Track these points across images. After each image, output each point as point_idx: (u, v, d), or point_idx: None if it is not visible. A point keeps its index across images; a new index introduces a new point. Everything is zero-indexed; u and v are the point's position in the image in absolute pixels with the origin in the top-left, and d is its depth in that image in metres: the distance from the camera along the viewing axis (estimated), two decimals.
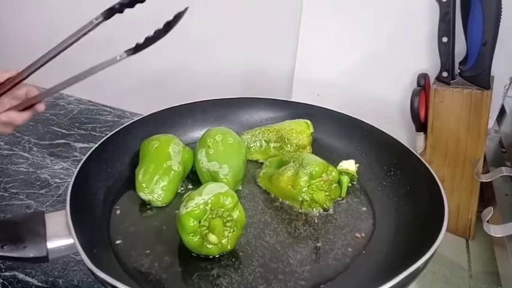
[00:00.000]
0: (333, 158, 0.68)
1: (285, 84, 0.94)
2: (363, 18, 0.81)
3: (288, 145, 0.73)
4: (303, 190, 0.62)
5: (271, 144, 0.75)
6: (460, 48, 0.70)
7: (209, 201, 0.54)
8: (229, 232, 0.55)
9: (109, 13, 0.66)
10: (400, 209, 0.63)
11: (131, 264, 0.55)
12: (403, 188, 0.65)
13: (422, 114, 0.74)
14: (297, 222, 0.62)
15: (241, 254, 0.57)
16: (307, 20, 0.86)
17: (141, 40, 0.62)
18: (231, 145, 0.68)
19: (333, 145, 0.76)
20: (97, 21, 0.66)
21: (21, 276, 0.64)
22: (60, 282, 0.63)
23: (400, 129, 0.83)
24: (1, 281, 0.63)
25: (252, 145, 0.75)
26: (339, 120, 0.76)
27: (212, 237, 0.53)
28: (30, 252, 0.50)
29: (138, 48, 0.62)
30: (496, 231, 0.63)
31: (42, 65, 0.66)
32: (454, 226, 0.74)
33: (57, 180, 0.85)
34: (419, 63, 0.78)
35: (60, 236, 0.51)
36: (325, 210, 0.63)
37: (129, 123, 0.74)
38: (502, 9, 0.64)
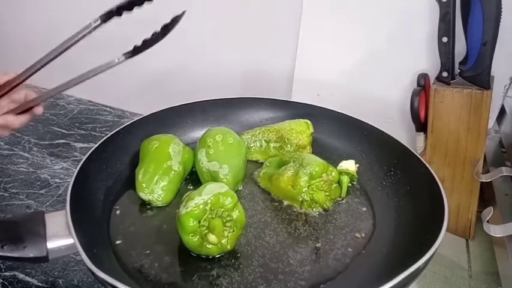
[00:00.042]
0: (333, 158, 0.68)
1: (285, 84, 0.94)
2: (363, 18, 0.81)
3: (288, 145, 0.73)
4: (303, 190, 0.62)
5: (271, 144, 0.75)
6: (460, 48, 0.70)
7: (209, 201, 0.54)
8: (229, 232, 0.55)
9: (107, 16, 0.66)
10: (400, 209, 0.63)
11: (131, 264, 0.55)
12: (403, 188, 0.65)
13: (422, 114, 0.74)
14: (297, 222, 0.62)
15: (241, 254, 0.57)
16: (307, 20, 0.86)
17: (139, 42, 0.62)
18: (231, 145, 0.68)
19: (333, 145, 0.76)
20: (95, 24, 0.66)
21: (21, 276, 0.64)
22: (60, 282, 0.63)
23: (400, 129, 0.83)
24: (1, 281, 0.63)
25: (252, 145, 0.75)
26: (339, 120, 0.76)
27: (212, 237, 0.53)
28: (30, 252, 0.50)
29: (136, 51, 0.62)
30: (496, 231, 0.63)
31: (40, 68, 0.66)
32: (454, 226, 0.74)
33: (57, 180, 0.85)
34: (419, 63, 0.78)
35: (60, 236, 0.51)
36: (325, 210, 0.63)
37: (129, 123, 0.74)
38: (502, 9, 0.64)
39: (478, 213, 0.73)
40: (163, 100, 0.79)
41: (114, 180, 0.68)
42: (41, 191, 0.82)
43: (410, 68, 0.79)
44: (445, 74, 0.70)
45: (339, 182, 0.65)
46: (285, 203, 0.65)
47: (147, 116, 0.76)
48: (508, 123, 0.79)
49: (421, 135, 0.76)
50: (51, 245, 0.51)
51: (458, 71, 0.71)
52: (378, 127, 0.72)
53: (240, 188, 0.69)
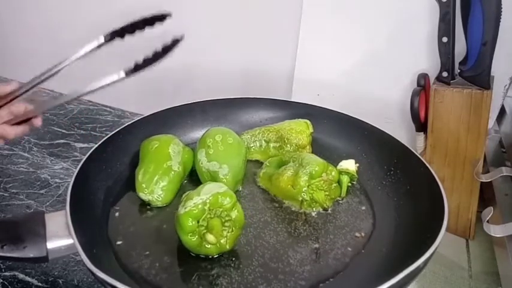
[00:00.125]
0: (333, 158, 0.68)
1: (285, 84, 0.94)
2: (363, 18, 0.81)
3: (288, 145, 0.73)
4: (303, 190, 0.62)
5: (271, 144, 0.75)
6: (460, 48, 0.70)
7: (207, 201, 0.54)
8: (228, 232, 0.55)
9: (112, 36, 0.67)
10: (400, 209, 0.63)
11: (131, 264, 0.55)
12: (403, 188, 0.65)
13: (422, 114, 0.74)
14: (297, 222, 0.62)
15: (241, 253, 0.57)
16: (307, 20, 0.86)
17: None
18: (230, 145, 0.68)
19: (333, 145, 0.76)
20: (99, 43, 0.66)
21: (21, 276, 0.64)
22: (60, 282, 0.63)
23: (400, 129, 0.83)
24: (1, 281, 0.63)
25: (251, 145, 0.75)
26: (339, 120, 0.76)
27: (210, 237, 0.53)
28: (30, 252, 0.50)
29: (136, 69, 0.63)
30: (496, 231, 0.63)
31: (40, 82, 0.66)
32: (454, 226, 0.74)
33: (57, 180, 0.85)
34: (419, 63, 0.78)
35: (60, 236, 0.51)
36: (325, 210, 0.63)
37: (129, 123, 0.74)
38: (502, 9, 0.64)
39: (478, 213, 0.73)
40: (163, 100, 0.79)
41: (114, 180, 0.68)
42: (41, 191, 0.82)
43: (410, 68, 0.79)
44: (445, 74, 0.70)
45: (339, 182, 0.65)
46: (285, 202, 0.65)
47: (147, 116, 0.76)
48: (508, 123, 0.79)
49: (421, 135, 0.76)
50: (51, 245, 0.51)
51: (458, 71, 0.71)
52: (378, 127, 0.72)
53: (240, 188, 0.69)
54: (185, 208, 0.54)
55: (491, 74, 0.68)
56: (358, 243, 0.58)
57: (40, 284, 0.63)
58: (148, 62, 0.63)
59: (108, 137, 0.70)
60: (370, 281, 0.47)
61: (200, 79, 1.04)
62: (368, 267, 0.55)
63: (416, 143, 0.77)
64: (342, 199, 0.66)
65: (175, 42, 0.64)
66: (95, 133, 1.02)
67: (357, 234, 0.60)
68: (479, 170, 0.71)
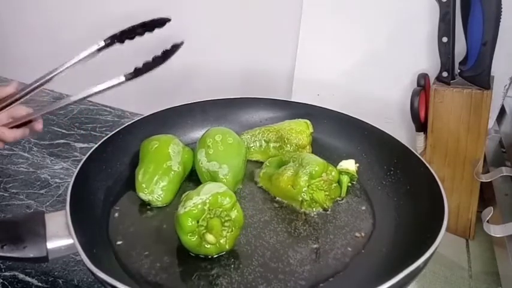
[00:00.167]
0: (333, 158, 0.68)
1: (285, 84, 0.94)
2: (363, 18, 0.81)
3: (288, 145, 0.73)
4: (303, 190, 0.62)
5: (271, 144, 0.75)
6: (460, 48, 0.70)
7: (207, 201, 0.54)
8: (228, 232, 0.55)
9: (111, 40, 0.67)
10: (400, 209, 0.63)
11: (131, 264, 0.55)
12: (403, 188, 0.65)
13: (422, 114, 0.74)
14: (297, 222, 0.62)
15: (241, 253, 0.57)
16: (307, 20, 0.86)
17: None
18: (230, 145, 0.68)
19: (333, 145, 0.76)
20: (99, 47, 0.67)
21: (21, 276, 0.64)
22: (60, 282, 0.63)
23: (400, 129, 0.83)
24: (1, 281, 0.63)
25: (251, 145, 0.75)
26: (339, 120, 0.76)
27: (210, 237, 0.53)
28: (30, 252, 0.50)
29: (137, 73, 0.63)
30: (496, 231, 0.63)
31: (39, 86, 0.67)
32: (454, 226, 0.74)
33: (57, 180, 0.85)
34: (419, 63, 0.78)
35: (60, 236, 0.51)
36: (325, 210, 0.63)
37: (129, 123, 0.74)
38: (502, 9, 0.64)
39: (478, 213, 0.73)
40: (163, 100, 0.79)
41: (114, 180, 0.68)
42: (41, 191, 0.82)
43: (410, 68, 0.79)
44: (445, 74, 0.70)
45: (339, 182, 0.65)
46: (285, 202, 0.65)
47: (147, 116, 0.76)
48: (508, 123, 0.79)
49: (421, 135, 0.76)
50: (51, 245, 0.51)
51: (458, 71, 0.71)
52: (378, 127, 0.72)
53: (240, 188, 0.69)
54: (185, 208, 0.54)
55: (491, 74, 0.68)
56: (358, 243, 0.58)
57: (40, 284, 0.63)
58: (148, 66, 0.63)
59: (108, 137, 0.70)
60: (370, 281, 0.47)
61: (200, 79, 1.04)
62: (368, 267, 0.55)
63: (416, 143, 0.77)
64: (342, 199, 0.66)
65: (174, 47, 0.65)
66: (95, 133, 1.02)
67: (357, 234, 0.60)
68: (479, 170, 0.71)
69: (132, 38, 0.68)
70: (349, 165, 0.66)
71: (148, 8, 0.95)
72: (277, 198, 0.66)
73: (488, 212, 0.64)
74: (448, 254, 0.70)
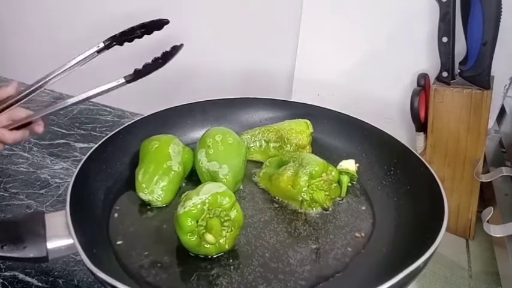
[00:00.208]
0: (333, 158, 0.68)
1: (285, 84, 0.94)
2: (363, 18, 0.81)
3: (288, 145, 0.73)
4: (303, 190, 0.62)
5: (271, 144, 0.75)
6: (460, 48, 0.70)
7: (206, 200, 0.54)
8: (227, 232, 0.55)
9: (111, 42, 0.68)
10: (400, 209, 0.63)
11: (131, 264, 0.55)
12: (403, 188, 0.65)
13: (422, 114, 0.74)
14: (297, 222, 0.62)
15: (241, 253, 0.57)
16: (307, 20, 0.86)
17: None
18: (230, 145, 0.68)
19: (333, 145, 0.76)
20: (98, 48, 0.67)
21: (21, 276, 0.64)
22: (60, 282, 0.63)
23: (400, 129, 0.83)
24: (1, 281, 0.63)
25: (251, 145, 0.75)
26: (339, 120, 0.76)
27: (209, 237, 0.53)
28: (30, 252, 0.50)
29: (137, 75, 0.64)
30: (496, 231, 0.63)
31: (40, 87, 0.67)
32: (454, 226, 0.74)
33: (57, 180, 0.85)
34: (419, 63, 0.78)
35: (60, 236, 0.51)
36: (325, 210, 0.63)
37: (129, 123, 0.74)
38: (502, 9, 0.64)
39: (478, 213, 0.73)
40: (163, 100, 0.79)
41: (114, 180, 0.68)
42: (41, 191, 0.82)
43: (410, 68, 0.79)
44: (445, 74, 0.70)
45: (339, 182, 0.65)
46: (285, 202, 0.65)
47: (147, 116, 0.76)
48: (508, 123, 0.79)
49: (421, 135, 0.76)
50: (51, 245, 0.51)
51: (458, 71, 0.70)
52: (378, 127, 0.72)
53: (240, 188, 0.69)
54: (184, 208, 0.54)
55: (491, 74, 0.68)
56: (358, 243, 0.58)
57: (40, 284, 0.63)
58: (148, 68, 0.64)
59: (108, 137, 0.70)
60: (370, 281, 0.47)
61: (200, 79, 1.04)
62: (368, 267, 0.55)
63: (416, 143, 0.77)
64: (342, 199, 0.66)
65: (174, 49, 0.65)
66: (95, 133, 1.02)
67: (357, 234, 0.60)
68: (479, 170, 0.71)
69: (131, 40, 0.68)
70: (349, 165, 0.66)
71: (148, 8, 0.95)
72: (277, 198, 0.66)
73: (488, 212, 0.64)
74: (448, 254, 0.70)
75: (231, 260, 0.56)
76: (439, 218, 0.53)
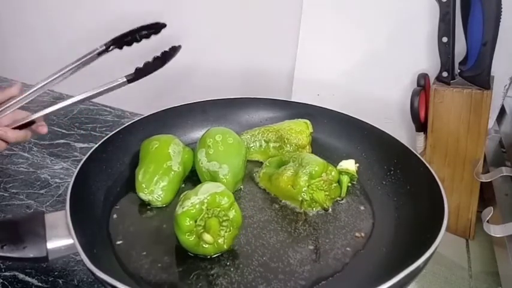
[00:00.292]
0: (333, 158, 0.68)
1: (285, 84, 0.94)
2: (363, 18, 0.81)
3: (288, 145, 0.73)
4: (303, 190, 0.62)
5: (271, 144, 0.75)
6: (460, 48, 0.70)
7: (205, 200, 0.54)
8: (226, 232, 0.55)
9: (110, 45, 0.68)
10: (400, 209, 0.63)
11: (131, 264, 0.55)
12: (403, 188, 0.65)
13: (422, 114, 0.74)
14: (297, 222, 0.62)
15: (241, 253, 0.57)
16: (307, 20, 0.86)
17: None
18: (231, 145, 0.68)
19: (333, 145, 0.76)
20: (99, 51, 0.68)
21: (21, 276, 0.64)
22: (60, 282, 0.63)
23: (400, 129, 0.83)
24: (1, 281, 0.63)
25: (251, 145, 0.75)
26: (339, 120, 0.76)
27: (207, 237, 0.53)
28: (30, 252, 0.50)
29: (138, 74, 0.64)
30: (496, 231, 0.63)
31: (41, 88, 0.67)
32: (454, 226, 0.74)
33: (57, 180, 0.85)
34: (419, 63, 0.78)
35: (60, 236, 0.51)
36: (325, 209, 0.63)
37: (129, 123, 0.74)
38: (502, 9, 0.64)
39: (478, 213, 0.73)
40: (163, 100, 0.79)
41: (114, 180, 0.68)
42: (41, 191, 0.82)
43: (410, 68, 0.79)
44: (445, 74, 0.70)
45: (339, 182, 0.65)
46: (285, 202, 0.65)
47: (147, 116, 0.76)
48: (508, 123, 0.79)
49: (421, 135, 0.76)
50: (51, 245, 0.51)
51: (458, 71, 0.70)
52: (378, 127, 0.72)
53: (240, 188, 0.69)
54: (183, 208, 0.54)
55: (491, 74, 0.68)
56: (358, 243, 0.58)
57: (40, 284, 0.63)
58: (148, 68, 0.64)
59: (108, 137, 0.70)
60: (370, 281, 0.47)
61: (200, 79, 1.04)
62: (368, 267, 0.55)
63: (416, 143, 0.77)
64: (342, 199, 0.66)
65: (173, 50, 0.65)
66: (95, 133, 1.02)
67: (357, 234, 0.60)
68: (479, 170, 0.71)
69: (130, 44, 0.68)
70: (349, 165, 0.66)
71: (149, 8, 0.96)
72: (277, 198, 0.66)
73: (488, 212, 0.64)
74: (448, 254, 0.70)
75: (230, 260, 0.56)
76: (439, 218, 0.53)
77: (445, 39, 0.69)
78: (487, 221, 0.64)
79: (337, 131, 0.76)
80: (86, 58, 0.68)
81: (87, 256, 0.48)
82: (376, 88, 0.84)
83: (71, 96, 0.67)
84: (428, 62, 0.77)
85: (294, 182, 0.63)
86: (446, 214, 0.53)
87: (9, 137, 0.66)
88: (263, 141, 0.75)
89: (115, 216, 0.63)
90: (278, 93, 0.93)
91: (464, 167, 0.72)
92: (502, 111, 0.80)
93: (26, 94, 0.67)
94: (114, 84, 0.65)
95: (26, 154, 0.93)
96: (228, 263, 0.55)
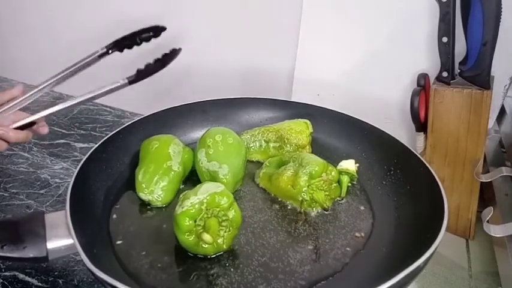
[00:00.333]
0: (333, 158, 0.68)
1: (285, 84, 0.94)
2: (363, 18, 0.81)
3: (288, 145, 0.73)
4: (303, 190, 0.62)
5: (271, 144, 0.75)
6: (460, 48, 0.70)
7: (204, 200, 0.54)
8: (225, 232, 0.55)
9: (111, 47, 0.69)
10: (400, 209, 0.63)
11: (131, 264, 0.55)
12: (403, 188, 0.65)
13: (422, 114, 0.74)
14: (297, 222, 0.62)
15: (241, 253, 0.57)
16: (307, 20, 0.86)
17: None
18: (230, 145, 0.68)
19: (333, 145, 0.76)
20: (100, 53, 0.68)
21: (21, 276, 0.64)
22: (60, 282, 0.63)
23: (400, 129, 0.83)
24: (1, 281, 0.63)
25: (251, 145, 0.75)
26: (339, 120, 0.76)
27: (206, 237, 0.53)
28: (30, 252, 0.50)
29: (139, 75, 0.64)
30: (496, 231, 0.63)
31: (42, 90, 0.68)
32: (454, 226, 0.74)
33: (57, 180, 0.85)
34: (419, 63, 0.78)
35: (60, 236, 0.51)
36: (325, 209, 0.63)
37: (129, 123, 0.74)
38: (502, 9, 0.64)
39: (478, 213, 0.73)
40: (163, 100, 0.79)
41: (114, 180, 0.68)
42: (41, 191, 0.82)
43: (410, 68, 0.79)
44: (445, 74, 0.70)
45: (339, 182, 0.65)
46: (285, 202, 0.65)
47: (147, 116, 0.76)
48: (508, 123, 0.79)
49: (421, 135, 0.76)
50: (51, 245, 0.51)
51: (458, 71, 0.70)
52: (378, 127, 0.72)
53: (240, 188, 0.69)
54: (182, 208, 0.54)
55: (491, 74, 0.68)
56: (358, 243, 0.58)
57: (40, 284, 0.63)
58: (149, 69, 0.64)
59: (108, 137, 0.70)
60: (370, 281, 0.47)
61: (200, 79, 1.04)
62: (368, 267, 0.55)
63: (416, 143, 0.77)
64: (342, 199, 0.66)
65: (173, 52, 0.66)
66: (95, 133, 1.02)
67: (357, 234, 0.60)
68: (479, 170, 0.71)
69: (130, 47, 0.69)
70: (349, 165, 0.66)
71: (149, 9, 0.95)
72: (277, 198, 0.66)
73: (488, 212, 0.64)
74: (448, 254, 0.70)
75: (230, 260, 0.56)
76: (439, 218, 0.53)
77: (445, 39, 0.69)
78: (487, 221, 0.64)
79: (337, 131, 0.76)
80: (86, 60, 0.68)
81: (87, 256, 0.48)
82: (376, 88, 0.84)
83: (71, 96, 0.67)
84: (428, 62, 0.77)
85: (294, 182, 0.63)
86: (446, 214, 0.53)
87: (10, 137, 0.66)
88: (263, 141, 0.75)
89: (115, 216, 0.63)
90: (278, 93, 0.93)
91: (464, 167, 0.72)
92: (502, 111, 0.80)
93: (27, 95, 0.68)
94: (116, 86, 0.65)
95: (26, 154, 0.93)
96: (228, 263, 0.55)
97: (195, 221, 0.54)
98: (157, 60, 0.66)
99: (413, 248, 0.53)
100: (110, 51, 0.68)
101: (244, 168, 0.69)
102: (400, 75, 0.81)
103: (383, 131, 0.71)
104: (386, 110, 0.85)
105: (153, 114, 0.77)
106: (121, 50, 0.69)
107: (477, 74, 0.68)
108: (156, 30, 0.70)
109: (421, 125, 0.75)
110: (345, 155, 0.70)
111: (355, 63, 0.85)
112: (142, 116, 0.76)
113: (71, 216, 0.53)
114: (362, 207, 0.65)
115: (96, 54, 0.69)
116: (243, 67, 0.99)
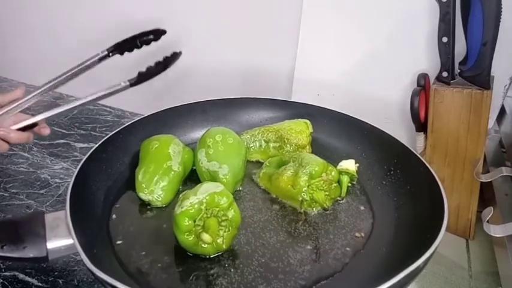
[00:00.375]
0: (333, 158, 0.68)
1: (285, 84, 0.94)
2: (363, 18, 0.81)
3: (288, 145, 0.73)
4: (303, 190, 0.62)
5: (271, 144, 0.75)
6: (460, 48, 0.70)
7: (204, 200, 0.54)
8: (225, 232, 0.55)
9: (115, 48, 0.69)
10: (400, 209, 0.63)
11: (131, 264, 0.55)
12: (403, 188, 0.65)
13: (422, 114, 0.74)
14: (296, 221, 0.62)
15: (241, 253, 0.57)
16: (307, 20, 0.86)
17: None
18: (231, 145, 0.68)
19: (333, 145, 0.76)
20: (102, 55, 0.68)
21: (21, 276, 0.64)
22: (60, 282, 0.63)
23: (400, 129, 0.83)
24: (1, 281, 0.63)
25: (251, 145, 0.75)
26: (339, 120, 0.76)
27: (206, 237, 0.53)
28: (30, 252, 0.50)
29: (140, 78, 0.64)
30: (496, 231, 0.63)
31: (44, 92, 0.68)
32: (454, 226, 0.74)
33: (57, 180, 0.85)
34: (419, 63, 0.78)
35: (60, 236, 0.51)
36: (325, 209, 0.63)
37: (129, 123, 0.74)
38: (502, 9, 0.64)
39: (478, 213, 0.73)
40: (163, 100, 0.79)
41: (114, 180, 0.68)
42: (41, 191, 0.82)
43: (410, 68, 0.79)
44: (445, 74, 0.70)
45: (339, 182, 0.65)
46: (285, 202, 0.65)
47: (147, 116, 0.76)
48: (508, 123, 0.79)
49: (421, 135, 0.76)
50: (51, 245, 0.51)
51: (458, 71, 0.70)
52: (378, 127, 0.72)
53: (240, 188, 0.69)
54: (181, 208, 0.54)
55: (491, 74, 0.68)
56: (358, 243, 0.58)
57: (40, 284, 0.63)
58: (150, 72, 0.64)
59: (108, 137, 0.70)
60: (370, 281, 0.47)
61: (200, 79, 1.04)
62: (368, 267, 0.55)
63: (416, 143, 0.77)
64: (342, 199, 0.66)
65: (174, 55, 0.66)
66: (95, 133, 1.02)
67: (357, 234, 0.60)
68: (479, 170, 0.71)
69: (131, 50, 0.69)
70: (349, 165, 0.66)
71: (149, 9, 0.95)
72: (277, 198, 0.66)
73: (488, 212, 0.64)
74: (448, 254, 0.70)
75: (230, 260, 0.56)
76: (439, 218, 0.53)
77: (445, 39, 0.69)
78: (487, 221, 0.64)
79: (337, 131, 0.76)
80: (87, 63, 0.69)
81: (87, 256, 0.48)
82: (376, 88, 0.84)
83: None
84: (428, 62, 0.77)
85: (294, 182, 0.63)
86: (446, 214, 0.53)
87: (11, 138, 0.66)
88: (263, 141, 0.75)
89: (115, 216, 0.63)
90: (278, 93, 0.93)
91: (464, 167, 0.72)
92: (502, 111, 0.80)
93: (28, 97, 0.68)
94: (117, 88, 0.65)
95: (26, 154, 0.93)
96: (228, 263, 0.55)
97: (195, 221, 0.54)
98: (158, 63, 0.66)
99: (413, 248, 0.53)
100: (111, 54, 0.69)
101: (244, 168, 0.69)
102: (400, 75, 0.81)
103: (383, 131, 0.71)
104: (386, 110, 0.84)
105: (153, 114, 0.77)
106: (122, 53, 0.69)
107: (477, 74, 0.68)
108: (157, 33, 0.70)
109: (421, 125, 0.75)
110: (345, 155, 0.70)
111: (355, 63, 0.85)
112: (142, 116, 0.76)
113: (71, 216, 0.53)
114: (362, 207, 0.65)
115: (97, 57, 0.69)
116: (243, 67, 0.99)
